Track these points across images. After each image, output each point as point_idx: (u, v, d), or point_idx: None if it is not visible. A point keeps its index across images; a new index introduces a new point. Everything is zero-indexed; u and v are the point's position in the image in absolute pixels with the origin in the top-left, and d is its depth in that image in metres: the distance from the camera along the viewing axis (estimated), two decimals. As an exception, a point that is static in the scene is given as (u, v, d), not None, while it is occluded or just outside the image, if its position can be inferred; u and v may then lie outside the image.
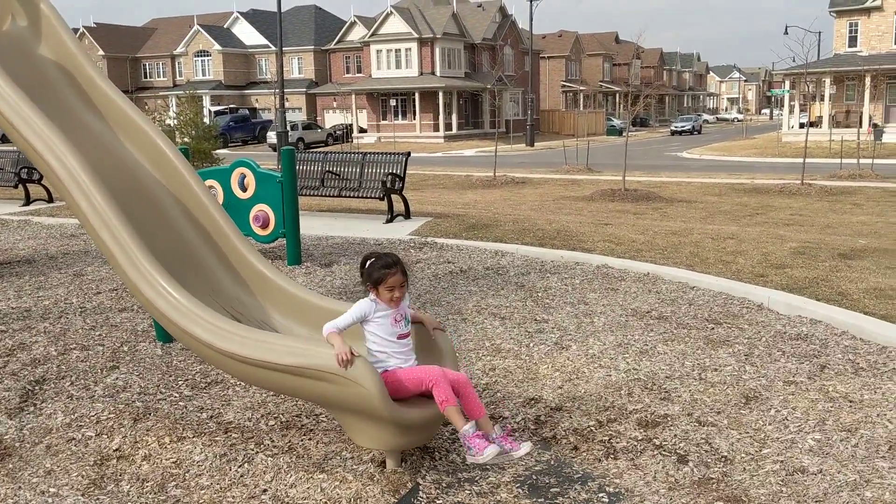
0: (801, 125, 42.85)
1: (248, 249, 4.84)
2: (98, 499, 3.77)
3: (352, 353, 3.64)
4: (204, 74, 67.03)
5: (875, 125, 37.99)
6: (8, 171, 16.02)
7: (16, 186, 15.53)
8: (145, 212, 4.72)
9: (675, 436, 4.28)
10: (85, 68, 5.18)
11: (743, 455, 4.04)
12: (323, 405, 4.17)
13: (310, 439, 4.36)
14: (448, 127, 56.10)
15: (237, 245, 4.82)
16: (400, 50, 57.55)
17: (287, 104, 44.95)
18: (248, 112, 59.04)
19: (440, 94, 55.03)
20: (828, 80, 42.40)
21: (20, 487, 3.87)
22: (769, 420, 4.44)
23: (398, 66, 57.96)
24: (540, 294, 7.34)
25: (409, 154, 12.85)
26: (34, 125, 4.33)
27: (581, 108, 70.81)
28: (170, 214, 4.88)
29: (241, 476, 3.96)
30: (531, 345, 5.85)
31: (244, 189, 8.79)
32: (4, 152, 17.16)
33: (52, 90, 5.02)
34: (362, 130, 57.60)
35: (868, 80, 36.82)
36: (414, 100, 56.48)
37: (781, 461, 3.95)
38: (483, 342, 5.94)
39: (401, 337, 3.91)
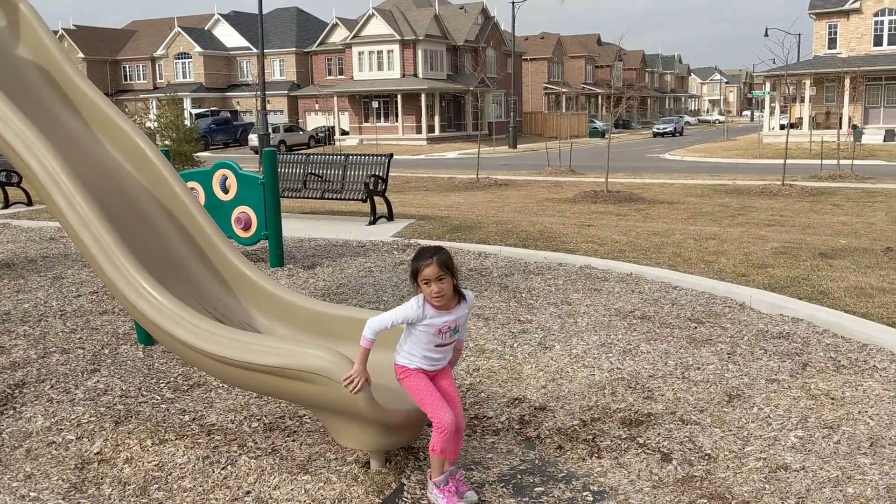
0: (782, 126, 43.20)
1: (231, 251, 4.81)
2: (79, 502, 3.73)
3: (365, 383, 3.52)
4: (185, 77, 66.66)
5: (854, 126, 38.39)
6: (-14, 174, 15.84)
7: (-6, 190, 15.37)
8: (126, 214, 4.68)
9: (659, 434, 4.30)
10: (65, 69, 5.13)
11: (726, 453, 4.06)
12: (306, 406, 4.15)
13: (293, 441, 4.34)
14: (430, 129, 56.09)
15: (219, 247, 4.79)
16: (382, 52, 57.51)
17: (269, 106, 44.83)
18: (229, 115, 58.73)
19: (422, 97, 55.03)
20: (808, 82, 42.77)
21: (-1, 492, 3.83)
22: (752, 418, 4.47)
23: (380, 67, 57.91)
24: (523, 295, 7.35)
25: (391, 156, 12.84)
26: (13, 125, 4.28)
27: (564, 110, 71.07)
28: (151, 216, 4.84)
29: (225, 478, 3.94)
30: (515, 345, 5.86)
31: (226, 191, 8.74)
32: (-18, 155, 16.97)
33: (32, 91, 4.97)
34: (344, 133, 57.47)
35: (847, 82, 37.18)
36: (396, 102, 56.45)
37: (764, 458, 3.97)
38: (467, 342, 5.94)
39: (440, 346, 3.61)
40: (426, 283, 3.44)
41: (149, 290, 3.99)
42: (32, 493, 3.81)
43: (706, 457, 4.03)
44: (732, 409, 4.59)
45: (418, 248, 3.61)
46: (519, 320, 6.48)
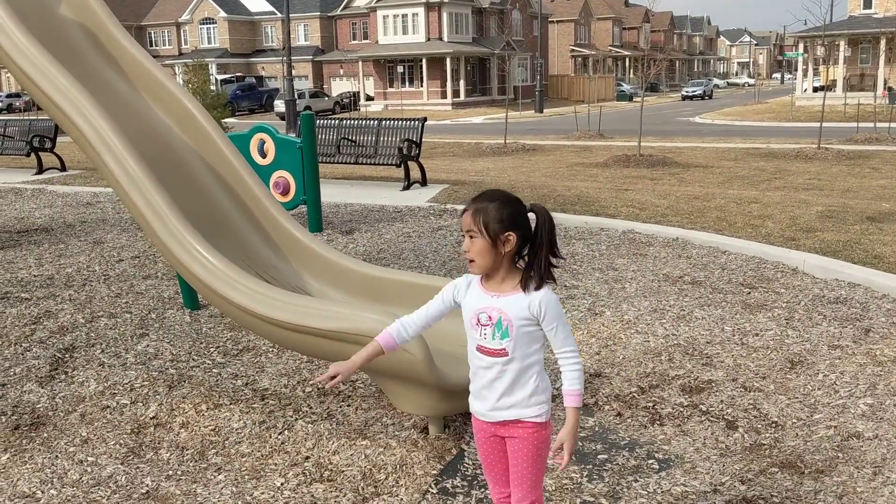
0: (815, 89, 42.30)
1: (281, 214, 4.74)
2: (138, 467, 3.71)
3: (332, 378, 2.60)
4: (210, 42, 66.39)
5: (890, 88, 37.48)
6: (19, 139, 15.90)
7: (28, 155, 15.42)
8: (175, 175, 4.61)
9: (722, 401, 4.19)
10: (109, 28, 5.04)
11: (794, 420, 3.95)
12: (364, 370, 4.08)
13: (348, 406, 4.29)
14: (456, 94, 55.58)
15: (270, 209, 4.72)
16: (407, 15, 56.84)
17: (293, 72, 44.54)
18: (254, 80, 58.50)
19: (448, 61, 54.45)
20: (842, 43, 41.76)
21: (57, 456, 3.82)
22: (817, 385, 4.35)
23: (405, 31, 57.28)
24: (566, 260, 7.23)
25: (425, 119, 12.70)
26: (61, 86, 4.21)
27: (591, 73, 70.05)
28: (200, 178, 4.77)
29: (282, 443, 3.90)
30: (564, 311, 5.75)
31: (264, 155, 8.66)
32: (15, 121, 17.04)
33: (77, 51, 4.88)
34: (369, 98, 57.13)
35: (883, 43, 36.25)
36: (421, 66, 55.91)
37: (835, 426, 3.86)
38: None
39: (483, 351, 2.48)
40: (463, 237, 2.47)
41: (203, 254, 3.93)
42: (90, 458, 3.80)
43: (773, 424, 3.92)
44: (796, 376, 4.47)
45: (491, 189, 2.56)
46: (565, 286, 6.37)
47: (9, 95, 58.42)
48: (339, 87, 62.43)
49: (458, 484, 3.51)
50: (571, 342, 2.50)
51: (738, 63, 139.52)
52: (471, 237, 2.42)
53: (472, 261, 2.44)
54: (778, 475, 3.46)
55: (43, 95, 4.23)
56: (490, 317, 2.45)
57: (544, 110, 48.24)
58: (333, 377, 2.61)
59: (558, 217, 9.28)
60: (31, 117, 21.95)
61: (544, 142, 25.51)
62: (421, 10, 56.12)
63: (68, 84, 4.20)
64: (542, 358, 2.53)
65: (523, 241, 2.43)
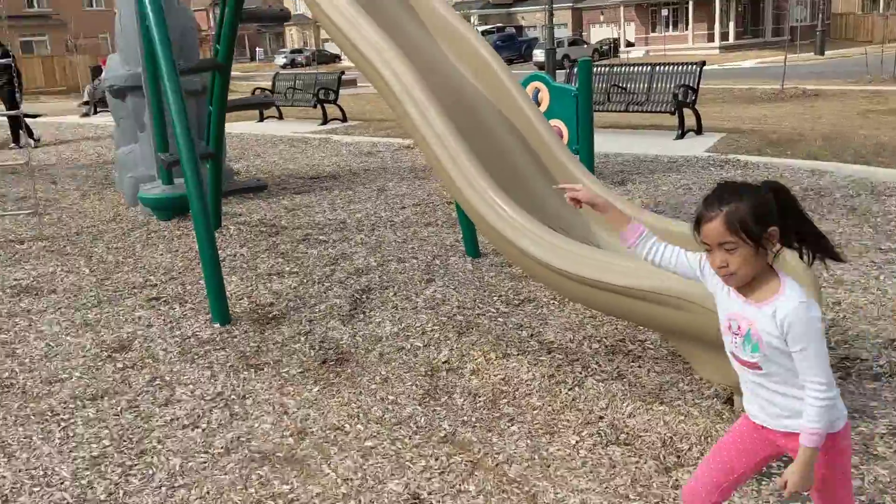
0: None
1: (572, 162, 4.59)
2: (434, 410, 3.80)
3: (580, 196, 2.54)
4: (471, -6, 67.52)
5: None
6: (306, 92, 17.19)
7: (314, 106, 16.64)
8: (468, 124, 4.60)
9: None
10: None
11: None
12: (663, 332, 3.86)
13: (639, 367, 4.11)
14: (724, 36, 52.07)
15: (561, 157, 4.58)
16: (672, -46, 53.97)
17: (553, 20, 44.02)
18: (513, 31, 58.83)
19: (717, 1, 51.02)
20: None
21: (361, 393, 4.01)
22: None
23: (671, -28, 54.46)
24: (878, 220, 6.42)
25: (703, 63, 11.92)
26: (371, 39, 4.32)
27: (882, 10, 62.21)
28: (490, 126, 4.74)
29: (573, 399, 3.81)
30: (881, 277, 5.10)
31: (538, 104, 8.56)
32: (303, 75, 18.42)
33: (378, 2, 5.01)
34: (630, 44, 55.23)
35: None
36: (687, 8, 52.95)
37: None
38: (819, 271, 5.28)
39: (736, 359, 2.22)
40: (708, 249, 2.09)
41: (500, 205, 3.88)
42: (391, 397, 3.95)
43: None
44: None
45: (719, 182, 2.15)
46: (880, 249, 5.65)
47: (292, 51, 63.82)
48: (598, 34, 60.92)
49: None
50: (821, 372, 2.03)
51: None
52: (726, 250, 2.04)
53: (730, 275, 2.07)
54: None
55: (352, 48, 4.38)
56: (740, 326, 2.13)
57: (825, 52, 43.74)
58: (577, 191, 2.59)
59: (861, 170, 8.32)
60: (314, 71, 23.68)
61: (827, 87, 23.09)
62: (689, -52, 52.95)
63: (376, 36, 4.32)
64: None
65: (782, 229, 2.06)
